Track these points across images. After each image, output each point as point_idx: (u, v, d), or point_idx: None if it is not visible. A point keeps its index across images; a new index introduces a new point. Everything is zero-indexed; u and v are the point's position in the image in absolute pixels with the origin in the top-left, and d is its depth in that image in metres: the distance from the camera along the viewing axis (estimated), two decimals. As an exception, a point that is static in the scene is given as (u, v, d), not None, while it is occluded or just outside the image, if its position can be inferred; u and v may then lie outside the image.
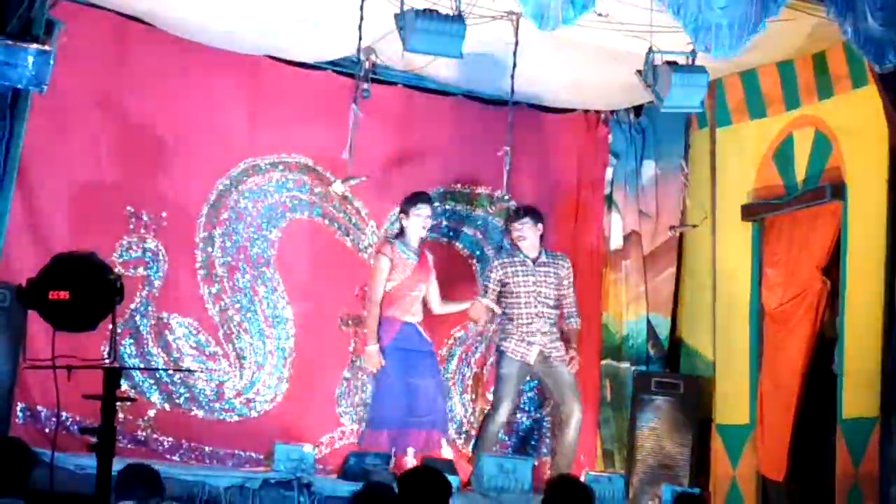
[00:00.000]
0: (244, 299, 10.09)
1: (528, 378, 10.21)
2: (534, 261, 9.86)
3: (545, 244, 10.03)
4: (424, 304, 9.93)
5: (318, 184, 10.39)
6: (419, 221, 9.71)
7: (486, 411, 10.16)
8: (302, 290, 10.20)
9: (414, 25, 8.17)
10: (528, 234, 9.86)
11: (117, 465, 5.39)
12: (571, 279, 10.05)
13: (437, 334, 10.39)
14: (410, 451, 9.43)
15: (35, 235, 9.03)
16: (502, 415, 9.84)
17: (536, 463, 10.25)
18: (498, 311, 9.86)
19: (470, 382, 10.83)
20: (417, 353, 9.74)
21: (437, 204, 10.42)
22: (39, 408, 8.99)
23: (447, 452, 9.64)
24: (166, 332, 9.77)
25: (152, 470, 6.70)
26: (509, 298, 9.84)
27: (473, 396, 10.80)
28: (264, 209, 10.25)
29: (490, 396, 10.46)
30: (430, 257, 9.92)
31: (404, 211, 9.77)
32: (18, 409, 8.84)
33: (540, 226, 9.90)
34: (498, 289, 9.87)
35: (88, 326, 5.23)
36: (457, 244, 10.95)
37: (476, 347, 10.86)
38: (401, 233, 9.82)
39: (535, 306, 9.79)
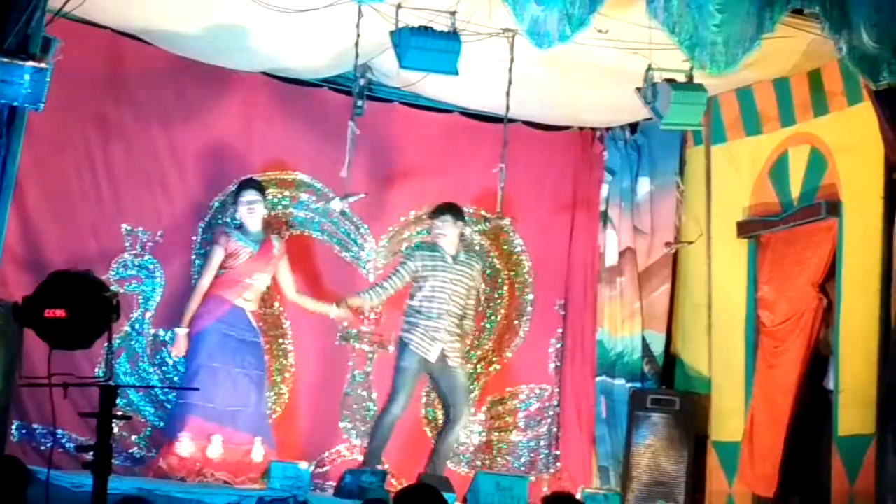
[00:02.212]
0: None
1: (421, 375, 9.94)
2: (453, 258, 9.79)
3: (464, 243, 10.04)
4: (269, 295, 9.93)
5: (315, 200, 10.41)
6: (243, 209, 9.61)
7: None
8: (300, 306, 10.18)
9: (409, 43, 8.19)
10: (447, 232, 9.78)
11: (113, 483, 5.37)
12: (478, 283, 10.02)
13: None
14: (217, 438, 9.27)
15: (32, 253, 9.04)
16: (397, 409, 9.66)
17: (533, 480, 10.25)
18: (367, 309, 9.82)
19: None
20: (240, 343, 9.55)
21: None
22: (35, 425, 8.99)
23: (258, 456, 9.45)
24: (162, 349, 9.77)
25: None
26: (422, 291, 9.72)
27: None
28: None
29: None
30: (276, 245, 9.80)
31: (234, 199, 9.70)
32: (14, 426, 8.82)
33: (460, 223, 9.84)
34: (407, 278, 9.76)
35: (84, 345, 5.21)
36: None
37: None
38: (241, 223, 9.71)
39: (447, 303, 9.69)
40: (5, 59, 7.60)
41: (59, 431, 8.81)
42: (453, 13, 8.26)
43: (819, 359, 9.76)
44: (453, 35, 8.28)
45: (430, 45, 8.22)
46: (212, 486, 9.14)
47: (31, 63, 7.67)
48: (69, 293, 5.11)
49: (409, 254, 9.99)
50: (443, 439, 9.82)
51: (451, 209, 9.87)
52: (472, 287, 9.91)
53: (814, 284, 9.70)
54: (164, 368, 9.79)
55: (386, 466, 9.78)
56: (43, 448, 8.84)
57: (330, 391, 10.29)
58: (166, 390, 9.69)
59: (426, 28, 8.24)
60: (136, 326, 9.68)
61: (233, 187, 9.96)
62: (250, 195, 9.64)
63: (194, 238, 10.01)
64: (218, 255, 9.53)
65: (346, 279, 10.37)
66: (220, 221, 9.99)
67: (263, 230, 9.74)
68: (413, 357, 9.64)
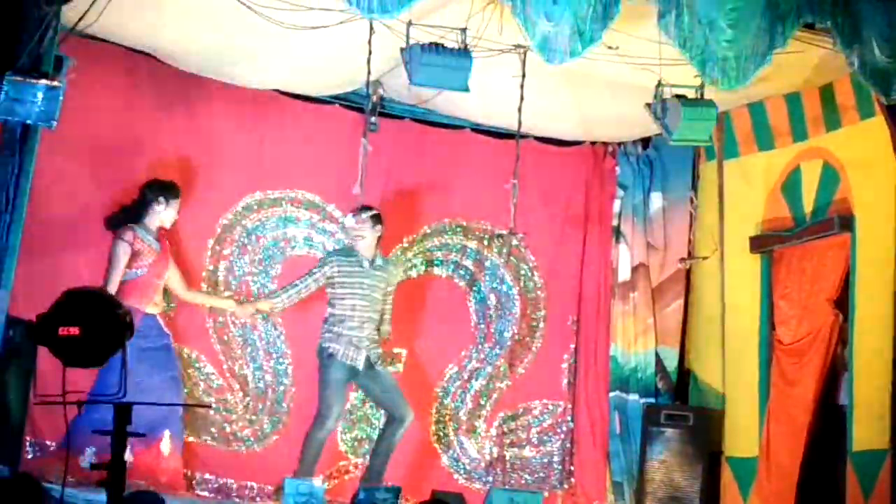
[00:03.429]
0: (246, 333, 10.12)
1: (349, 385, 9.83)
2: (370, 263, 9.71)
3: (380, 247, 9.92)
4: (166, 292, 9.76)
5: (319, 219, 10.42)
6: (168, 215, 9.51)
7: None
8: (300, 325, 10.21)
9: (420, 59, 8.18)
10: (366, 234, 9.69)
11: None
12: (394, 287, 9.90)
13: (429, 373, 10.43)
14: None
15: (46, 270, 9.03)
16: (332, 423, 9.55)
17: (547, 496, 10.23)
18: (276, 313, 9.80)
19: (465, 419, 10.82)
20: (152, 350, 9.38)
21: (446, 237, 10.59)
22: (49, 442, 8.99)
23: (166, 448, 9.26)
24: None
25: (158, 498, 6.67)
26: (343, 299, 9.62)
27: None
28: (267, 244, 10.29)
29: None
30: (166, 242, 9.67)
31: (156, 198, 9.45)
32: (28, 444, 8.82)
33: (379, 227, 9.73)
34: (322, 281, 9.67)
35: (98, 362, 5.24)
36: (454, 278, 10.95)
37: (470, 383, 10.86)
38: (138, 219, 9.47)
39: (368, 310, 9.62)
40: (18, 78, 7.62)
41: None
42: (463, 29, 8.25)
43: (832, 374, 9.73)
44: (464, 52, 8.28)
45: (441, 62, 8.20)
46: (227, 502, 9.15)
47: (43, 81, 7.68)
48: (83, 311, 5.13)
49: (324, 258, 9.87)
50: (385, 439, 9.70)
51: (369, 212, 9.73)
52: (389, 292, 9.82)
53: (829, 300, 9.67)
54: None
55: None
56: (57, 465, 8.82)
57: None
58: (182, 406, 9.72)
59: (437, 45, 8.25)
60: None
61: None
62: (166, 207, 9.52)
63: (205, 254, 10.03)
64: (124, 252, 9.29)
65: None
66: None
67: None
68: (341, 367, 9.53)
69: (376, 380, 9.70)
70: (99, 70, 9.24)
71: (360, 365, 9.55)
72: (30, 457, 8.81)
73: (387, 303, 9.84)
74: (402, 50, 8.34)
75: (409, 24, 8.27)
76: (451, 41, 8.33)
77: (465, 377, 10.86)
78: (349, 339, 9.55)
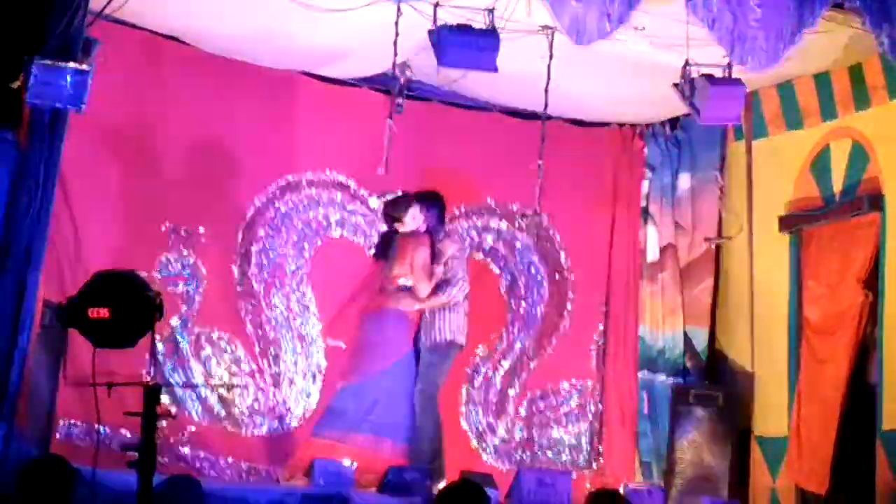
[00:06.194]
0: (279, 316, 10.13)
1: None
2: None
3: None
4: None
5: (351, 201, 10.42)
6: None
7: None
8: (334, 308, 10.22)
9: (448, 40, 8.19)
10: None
11: (158, 480, 5.40)
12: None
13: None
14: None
15: (75, 253, 9.07)
16: None
17: (576, 476, 10.24)
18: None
19: (494, 400, 10.86)
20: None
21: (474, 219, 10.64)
22: (80, 424, 9.02)
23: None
24: (206, 347, 9.81)
25: (195, 481, 6.70)
26: None
27: None
28: (299, 227, 10.30)
29: None
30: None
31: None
32: (59, 425, 8.86)
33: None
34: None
35: (128, 344, 5.25)
36: (487, 259, 10.97)
37: (500, 364, 10.89)
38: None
39: None
40: (47, 62, 7.65)
41: (105, 430, 8.82)
42: (491, 10, 8.25)
43: (863, 353, 9.70)
44: (491, 32, 8.28)
45: (469, 42, 8.21)
46: (256, 484, 9.18)
47: (72, 65, 7.71)
48: (113, 293, 5.15)
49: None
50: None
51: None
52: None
53: (859, 280, 9.63)
54: (206, 366, 9.85)
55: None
56: (88, 447, 8.86)
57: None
58: (211, 388, 9.76)
59: (464, 26, 8.24)
60: (181, 324, 9.71)
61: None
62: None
63: (236, 237, 10.04)
64: None
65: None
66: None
67: None
68: None
69: None
70: (126, 53, 9.26)
71: None
72: (61, 439, 8.81)
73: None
74: (429, 32, 8.35)
75: (437, 4, 8.27)
76: (479, 22, 8.33)
77: (495, 358, 10.87)
78: None
